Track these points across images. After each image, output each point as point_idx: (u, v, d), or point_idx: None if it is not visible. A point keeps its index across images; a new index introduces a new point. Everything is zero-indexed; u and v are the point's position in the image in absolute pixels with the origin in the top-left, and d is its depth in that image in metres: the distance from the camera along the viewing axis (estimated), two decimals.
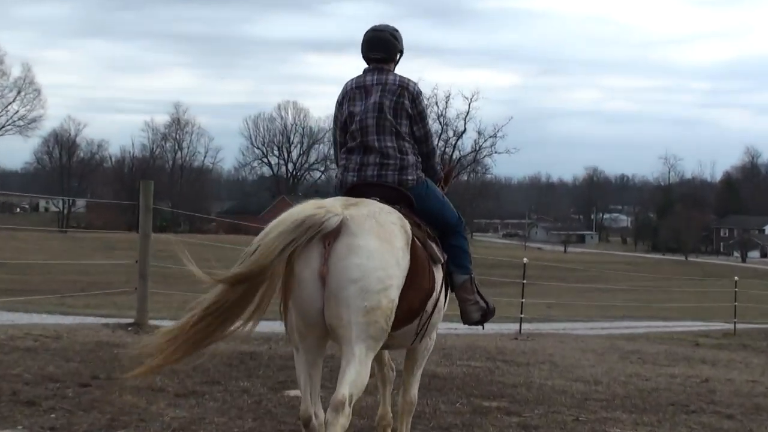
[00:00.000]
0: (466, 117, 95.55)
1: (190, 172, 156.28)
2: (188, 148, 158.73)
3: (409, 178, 7.20)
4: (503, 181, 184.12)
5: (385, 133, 7.19)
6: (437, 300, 6.78)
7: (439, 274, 6.83)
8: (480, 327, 7.93)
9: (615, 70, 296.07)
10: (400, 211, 6.60)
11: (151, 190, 15.36)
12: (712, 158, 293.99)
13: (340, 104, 7.45)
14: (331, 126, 7.68)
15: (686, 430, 9.60)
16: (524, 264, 24.55)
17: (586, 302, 44.51)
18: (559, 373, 13.78)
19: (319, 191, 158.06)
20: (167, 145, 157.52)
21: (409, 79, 7.39)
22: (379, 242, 6.05)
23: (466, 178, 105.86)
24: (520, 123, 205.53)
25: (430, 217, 7.20)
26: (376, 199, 6.69)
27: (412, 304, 6.40)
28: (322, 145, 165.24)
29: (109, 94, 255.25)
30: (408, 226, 6.44)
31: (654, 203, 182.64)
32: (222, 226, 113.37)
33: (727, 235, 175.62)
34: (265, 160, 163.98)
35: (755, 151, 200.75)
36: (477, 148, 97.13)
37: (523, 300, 23.97)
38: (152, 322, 15.18)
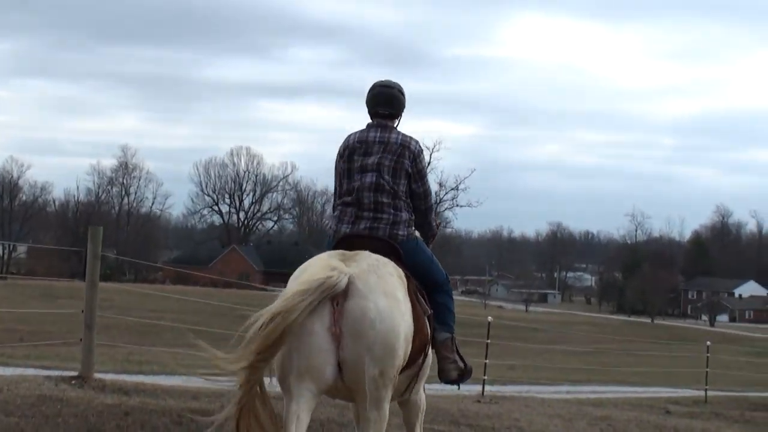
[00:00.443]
0: (427, 167, 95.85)
1: (137, 218, 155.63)
2: (136, 193, 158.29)
3: (400, 233, 7.72)
4: (463, 235, 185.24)
5: (381, 191, 7.70)
6: (427, 352, 7.45)
7: (428, 326, 7.41)
8: (456, 387, 8.47)
9: (580, 123, 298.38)
10: (393, 261, 7.19)
11: (100, 237, 15.15)
12: (680, 216, 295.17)
13: (341, 156, 7.95)
14: (334, 178, 8.15)
15: None
16: (488, 323, 24.43)
17: (549, 364, 44.47)
18: None
19: (272, 242, 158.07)
20: (114, 189, 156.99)
21: (411, 138, 7.91)
22: (385, 299, 6.74)
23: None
24: (481, 175, 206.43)
25: (418, 273, 7.62)
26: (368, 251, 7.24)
27: (411, 354, 7.04)
28: (275, 194, 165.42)
29: (53, 135, 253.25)
30: (404, 275, 7.15)
31: (620, 262, 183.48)
32: (169, 275, 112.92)
33: (695, 297, 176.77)
34: (216, 207, 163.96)
35: (726, 211, 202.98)
36: (438, 201, 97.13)
37: (487, 361, 23.81)
38: (97, 375, 14.94)
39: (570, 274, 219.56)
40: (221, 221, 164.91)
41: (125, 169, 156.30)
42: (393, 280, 6.95)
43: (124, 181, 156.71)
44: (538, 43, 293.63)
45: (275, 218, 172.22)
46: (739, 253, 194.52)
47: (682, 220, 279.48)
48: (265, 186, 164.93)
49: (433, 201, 8.17)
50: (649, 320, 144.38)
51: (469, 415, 16.30)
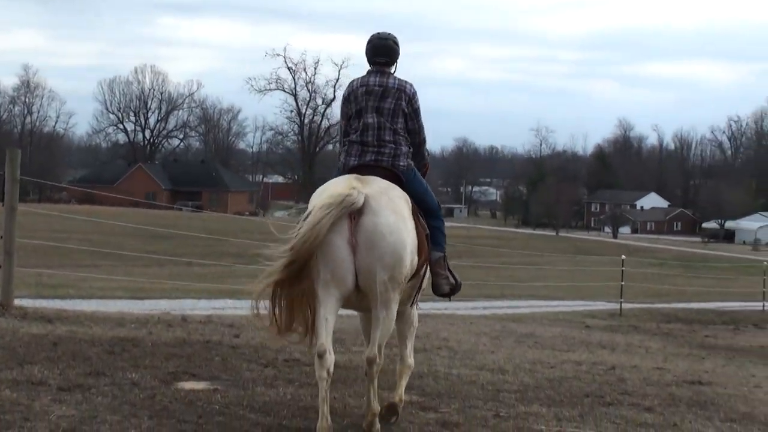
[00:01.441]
0: (335, 84, 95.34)
1: (41, 138, 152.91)
2: (38, 112, 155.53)
3: (401, 163, 8.75)
4: None
5: (383, 129, 8.72)
6: (427, 265, 8.52)
7: (426, 244, 8.42)
8: (448, 299, 9.55)
9: (482, 39, 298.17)
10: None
11: (18, 160, 14.64)
12: (584, 131, 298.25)
13: (346, 100, 8.95)
14: (340, 119, 9.27)
15: (611, 426, 9.39)
16: None
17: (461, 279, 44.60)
18: (461, 360, 13.52)
19: (178, 160, 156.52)
20: (16, 109, 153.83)
21: (406, 82, 8.92)
22: (394, 216, 7.85)
23: (331, 148, 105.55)
24: None
25: (415, 199, 8.60)
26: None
27: (413, 265, 8.09)
28: (181, 112, 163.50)
29: None
30: (409, 198, 8.32)
31: (525, 177, 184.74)
32: (75, 195, 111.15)
33: (598, 210, 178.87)
34: (121, 126, 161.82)
35: (628, 124, 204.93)
36: None
37: None
38: (16, 301, 14.50)
39: (476, 189, 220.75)
40: (126, 140, 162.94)
41: (27, 87, 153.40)
42: (400, 202, 8.10)
43: (27, 100, 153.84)
44: None
45: (181, 136, 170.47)
46: (640, 166, 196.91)
47: (586, 134, 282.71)
48: (170, 104, 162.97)
49: (424, 135, 9.12)
50: (553, 233, 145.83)
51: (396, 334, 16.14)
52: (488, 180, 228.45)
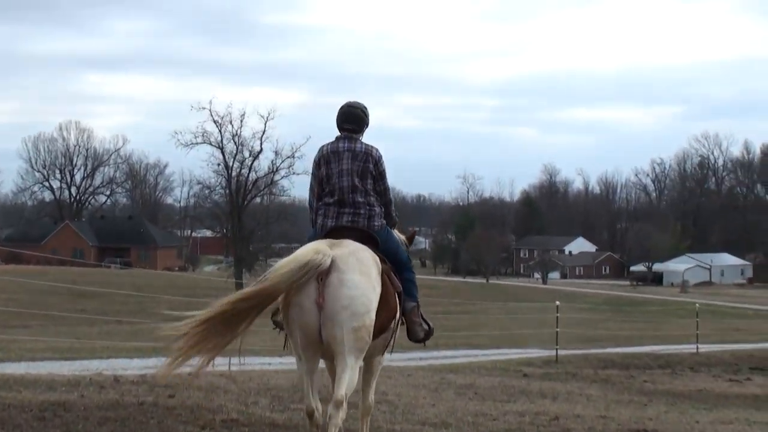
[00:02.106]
0: (262, 136, 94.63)
1: None
2: None
3: (376, 224, 9.37)
4: (297, 204, 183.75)
5: (356, 192, 9.30)
6: (398, 321, 9.15)
7: (398, 300, 9.05)
8: (423, 344, 9.99)
9: (402, 89, 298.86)
10: (371, 249, 8.85)
11: None
12: (510, 177, 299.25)
13: (317, 164, 9.52)
14: (310, 180, 9.74)
15: None
16: None
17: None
18: (402, 415, 13.23)
19: (105, 216, 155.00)
20: None
21: (372, 147, 9.54)
22: (360, 276, 8.35)
23: (260, 201, 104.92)
24: (313, 142, 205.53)
25: (389, 255, 9.29)
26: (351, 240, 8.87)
27: (382, 322, 8.68)
28: (107, 168, 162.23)
29: None
30: (379, 260, 8.78)
31: (453, 224, 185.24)
32: (0, 254, 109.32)
33: (527, 255, 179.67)
34: (47, 183, 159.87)
35: (553, 169, 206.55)
36: (274, 169, 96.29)
37: None
38: None
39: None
40: (52, 197, 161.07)
41: None
42: (369, 263, 8.58)
43: None
44: (348, 11, 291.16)
45: (108, 192, 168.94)
46: (567, 211, 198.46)
47: (512, 180, 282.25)
48: (96, 160, 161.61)
49: (390, 197, 9.71)
50: (484, 280, 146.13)
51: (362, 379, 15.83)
52: (417, 228, 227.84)
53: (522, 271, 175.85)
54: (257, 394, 14.35)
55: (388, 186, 9.67)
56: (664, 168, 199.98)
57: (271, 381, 16.80)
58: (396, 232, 10.04)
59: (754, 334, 54.80)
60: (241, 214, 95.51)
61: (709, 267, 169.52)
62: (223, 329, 8.46)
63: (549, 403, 16.27)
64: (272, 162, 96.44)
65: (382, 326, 8.72)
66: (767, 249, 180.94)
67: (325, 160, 9.46)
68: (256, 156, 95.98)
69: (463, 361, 28.04)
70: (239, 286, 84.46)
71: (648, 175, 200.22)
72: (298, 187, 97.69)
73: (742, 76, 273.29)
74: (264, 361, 24.40)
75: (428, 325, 9.70)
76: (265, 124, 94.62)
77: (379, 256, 8.92)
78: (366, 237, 9.15)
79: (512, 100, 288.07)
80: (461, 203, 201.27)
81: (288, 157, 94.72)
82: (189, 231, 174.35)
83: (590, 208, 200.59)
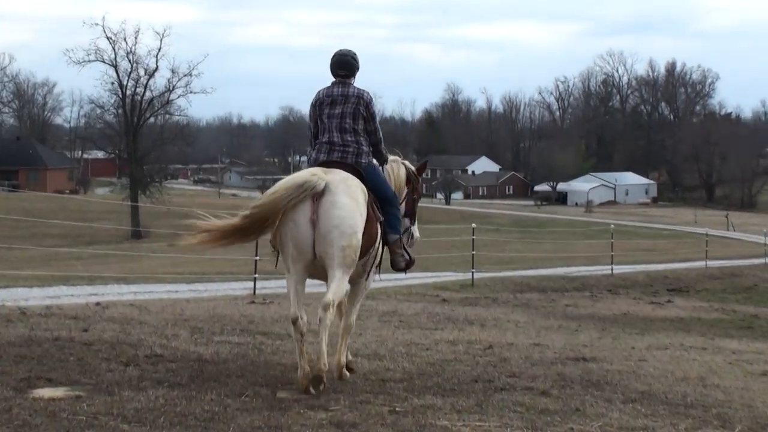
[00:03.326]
0: (158, 54, 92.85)
1: None
2: None
3: (362, 161, 10.42)
4: (194, 124, 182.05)
5: (346, 132, 10.42)
6: (377, 247, 10.20)
7: (379, 229, 10.12)
8: (404, 273, 11.17)
9: (298, 4, 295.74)
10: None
11: None
12: (412, 96, 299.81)
13: (314, 106, 10.65)
14: (309, 121, 10.83)
15: (514, 415, 8.87)
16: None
17: None
18: (331, 345, 12.77)
19: None
20: None
21: (363, 90, 10.60)
22: (349, 199, 9.48)
23: (154, 120, 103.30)
24: (210, 61, 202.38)
25: (374, 189, 10.30)
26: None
27: (365, 245, 9.66)
28: None
29: None
30: (366, 189, 9.92)
31: None
32: None
33: (429, 176, 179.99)
34: None
35: (456, 88, 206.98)
36: (171, 88, 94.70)
37: (258, 257, 22.95)
38: None
39: (303, 159, 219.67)
40: None
41: None
42: (357, 190, 9.70)
43: None
44: None
45: None
46: (470, 130, 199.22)
47: (414, 100, 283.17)
48: None
49: (380, 136, 10.69)
50: None
51: (255, 320, 15.55)
52: (426, 159, 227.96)
53: (424, 191, 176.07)
54: (175, 326, 13.92)
55: (378, 126, 10.72)
56: (568, 86, 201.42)
57: (186, 311, 16.38)
58: (405, 163, 11.56)
59: (663, 253, 55.65)
60: (136, 134, 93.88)
61: (613, 186, 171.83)
62: (236, 240, 9.82)
63: (478, 330, 16.08)
64: (168, 80, 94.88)
65: (363, 250, 9.68)
66: (671, 168, 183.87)
67: (320, 102, 10.58)
68: (151, 74, 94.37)
69: (378, 285, 27.75)
70: (135, 209, 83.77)
71: (552, 93, 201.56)
72: (195, 106, 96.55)
73: None
74: (170, 289, 23.95)
75: (409, 256, 10.70)
76: (161, 41, 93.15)
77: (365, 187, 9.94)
78: (352, 171, 10.11)
79: (410, 17, 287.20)
80: None
81: (185, 75, 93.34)
82: (80, 152, 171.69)
83: (493, 127, 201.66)
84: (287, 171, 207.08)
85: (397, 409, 8.75)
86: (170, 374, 9.79)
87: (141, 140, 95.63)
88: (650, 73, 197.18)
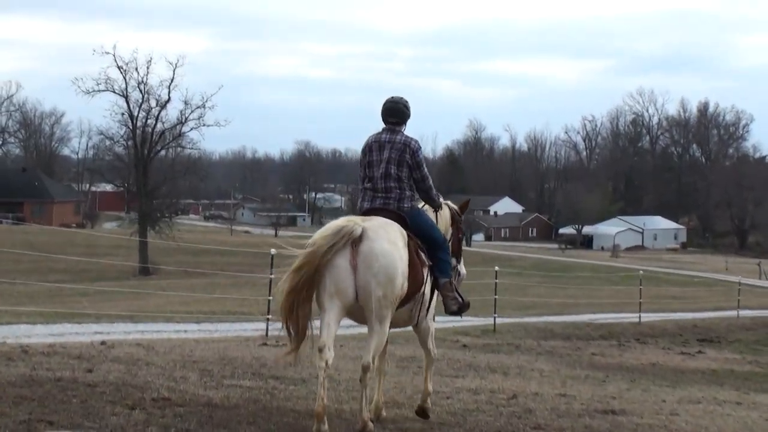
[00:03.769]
0: (170, 85, 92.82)
1: None
2: None
3: (405, 205, 11.05)
4: (206, 158, 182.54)
5: (390, 178, 11.07)
6: (424, 292, 10.73)
7: (426, 274, 10.67)
8: (459, 317, 11.89)
9: (312, 36, 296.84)
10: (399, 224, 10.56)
11: None
12: (433, 132, 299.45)
13: (363, 152, 11.43)
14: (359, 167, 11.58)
15: None
16: (271, 256, 23.27)
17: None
18: (346, 392, 12.81)
19: None
20: None
21: (411, 138, 11.22)
22: (388, 244, 10.04)
23: (165, 153, 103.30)
24: (224, 92, 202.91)
25: (421, 234, 10.93)
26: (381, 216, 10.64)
27: (410, 291, 10.28)
28: None
29: None
30: (405, 233, 10.43)
31: None
32: None
33: None
34: None
35: (479, 125, 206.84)
36: (183, 120, 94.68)
37: (271, 297, 22.82)
38: None
39: (319, 196, 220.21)
40: None
41: None
42: (396, 234, 10.26)
43: None
44: None
45: None
46: (493, 169, 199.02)
47: (435, 135, 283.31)
48: None
49: (430, 183, 11.36)
50: None
51: (268, 363, 15.35)
52: (332, 186, 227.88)
53: None
54: (183, 368, 13.82)
55: (426, 174, 11.36)
56: (596, 125, 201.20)
57: (195, 352, 16.26)
58: (448, 203, 12.19)
59: (693, 302, 55.28)
60: (146, 167, 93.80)
61: (641, 230, 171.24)
62: (297, 298, 10.11)
63: (501, 378, 15.94)
64: (181, 112, 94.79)
65: (410, 295, 10.38)
66: (701, 213, 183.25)
67: (369, 149, 11.33)
68: (163, 105, 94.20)
69: (395, 330, 27.61)
70: (143, 244, 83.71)
71: (578, 132, 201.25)
72: (208, 139, 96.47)
73: (672, 29, 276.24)
74: (179, 328, 23.84)
75: (462, 299, 11.21)
76: (174, 72, 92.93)
77: (408, 234, 10.52)
78: (395, 217, 10.79)
79: (430, 50, 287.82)
80: None
81: (198, 107, 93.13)
82: (87, 185, 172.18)
83: (517, 166, 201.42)
84: (302, 208, 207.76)
85: None
86: (178, 419, 9.68)
87: (151, 173, 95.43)
88: (681, 113, 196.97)
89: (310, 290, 10.03)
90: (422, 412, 11.37)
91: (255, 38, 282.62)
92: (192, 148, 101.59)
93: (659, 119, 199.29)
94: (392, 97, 11.60)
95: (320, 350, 10.08)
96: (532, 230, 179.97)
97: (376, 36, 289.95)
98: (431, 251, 10.94)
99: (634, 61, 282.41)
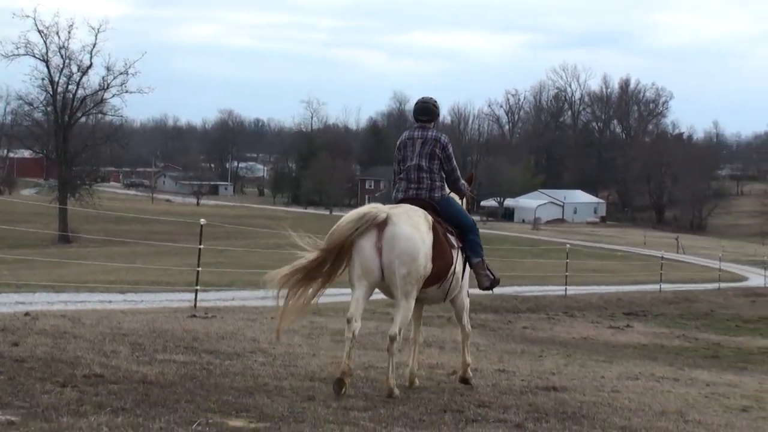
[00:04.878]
0: (92, 50, 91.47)
1: None
2: None
3: (435, 194, 12.10)
4: (128, 125, 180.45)
5: (422, 170, 12.11)
6: (454, 271, 11.67)
7: (456, 255, 11.70)
8: (491, 291, 13.49)
9: (232, 3, 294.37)
10: (427, 212, 11.51)
11: None
12: (357, 104, 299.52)
13: (398, 148, 12.43)
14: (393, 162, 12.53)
15: None
16: (201, 226, 22.80)
17: (238, 265, 43.45)
18: (284, 368, 12.46)
19: None
20: None
21: (441, 134, 12.34)
22: (411, 228, 10.96)
23: (86, 120, 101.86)
24: (148, 59, 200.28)
25: (452, 220, 12.04)
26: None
27: (438, 270, 11.29)
28: None
29: None
30: (430, 218, 11.34)
31: (294, 152, 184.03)
32: None
33: (373, 186, 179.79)
34: None
35: (403, 97, 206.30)
36: (105, 87, 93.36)
37: (200, 269, 22.37)
38: None
39: (241, 165, 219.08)
40: None
41: None
42: (419, 219, 11.17)
43: None
44: None
45: None
46: None
47: (359, 107, 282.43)
48: None
49: (458, 174, 12.45)
50: (326, 212, 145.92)
51: (199, 336, 15.00)
52: (254, 155, 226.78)
53: (367, 202, 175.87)
54: (113, 341, 13.36)
55: (455, 166, 12.45)
56: (519, 99, 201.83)
57: (123, 324, 15.79)
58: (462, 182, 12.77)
59: (613, 275, 55.65)
60: (67, 134, 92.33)
61: (562, 204, 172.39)
62: (318, 276, 11.20)
63: (438, 353, 15.71)
64: (103, 78, 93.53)
65: (439, 274, 11.36)
66: (621, 187, 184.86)
67: (403, 145, 12.37)
68: (85, 71, 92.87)
69: (322, 300, 27.17)
70: (63, 212, 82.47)
71: (502, 106, 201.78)
72: (131, 106, 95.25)
73: (596, 5, 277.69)
74: (103, 298, 23.27)
75: (493, 275, 12.30)
76: (96, 37, 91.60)
77: (435, 219, 11.51)
78: (427, 205, 11.78)
79: (352, 21, 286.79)
80: (304, 129, 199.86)
81: (120, 74, 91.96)
82: (5, 151, 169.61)
83: None
84: (224, 177, 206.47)
85: None
86: (113, 397, 9.22)
87: (71, 140, 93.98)
88: (603, 89, 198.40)
89: (322, 269, 11.09)
90: (464, 381, 12.34)
91: (175, 5, 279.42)
92: (114, 116, 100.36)
93: (581, 95, 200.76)
94: (423, 97, 12.82)
95: (348, 321, 10.97)
96: None
97: (296, 6, 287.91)
98: (463, 234, 12.03)
99: (558, 36, 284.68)
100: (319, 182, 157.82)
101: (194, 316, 18.69)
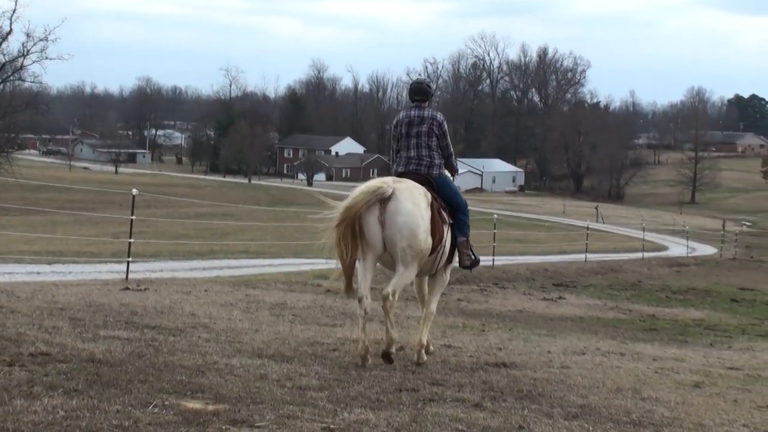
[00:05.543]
0: (12, 15, 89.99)
1: None
2: None
3: (434, 172, 12.69)
4: (48, 92, 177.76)
5: (421, 147, 12.77)
6: (444, 246, 12.22)
7: (446, 231, 12.25)
8: (469, 270, 14.84)
9: None
10: (426, 188, 12.11)
11: None
12: (276, 72, 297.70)
13: (395, 126, 13.06)
14: (391, 139, 13.25)
15: (448, 430, 8.27)
16: (133, 196, 22.34)
17: (161, 237, 42.90)
18: (229, 344, 12.14)
19: None
20: None
21: (437, 113, 13.09)
22: (412, 204, 11.59)
23: (3, 87, 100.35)
24: (69, 25, 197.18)
25: (445, 198, 12.54)
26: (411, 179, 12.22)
27: (432, 244, 11.79)
28: None
29: None
30: (429, 195, 11.98)
31: (213, 119, 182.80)
32: None
33: (291, 155, 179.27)
34: None
35: (321, 65, 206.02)
36: (25, 53, 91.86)
37: (132, 240, 21.94)
38: None
39: (159, 132, 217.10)
40: None
41: None
42: (420, 196, 11.80)
43: None
44: None
45: None
46: (335, 110, 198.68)
47: (278, 75, 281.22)
48: None
49: (451, 150, 13.07)
50: (245, 180, 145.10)
51: (137, 310, 14.65)
52: (172, 123, 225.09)
53: (286, 171, 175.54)
54: (52, 316, 12.98)
55: (450, 142, 13.10)
56: (437, 68, 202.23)
57: (57, 298, 15.38)
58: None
59: (536, 245, 55.87)
60: None
61: (480, 173, 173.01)
62: (349, 244, 11.57)
63: (379, 327, 15.32)
64: (23, 44, 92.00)
65: (432, 248, 11.83)
66: (539, 156, 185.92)
67: (401, 123, 12.97)
68: (4, 37, 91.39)
69: (251, 271, 26.98)
70: None
71: (420, 74, 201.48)
72: (51, 73, 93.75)
73: None
74: (31, 270, 22.78)
75: (474, 255, 12.74)
76: (16, 2, 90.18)
77: (434, 195, 12.13)
78: (424, 180, 12.42)
79: None
80: (223, 97, 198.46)
81: (41, 40, 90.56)
82: None
83: (359, 107, 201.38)
84: (142, 145, 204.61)
85: (330, 426, 8.01)
86: (63, 377, 8.89)
87: None
88: (522, 58, 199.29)
89: (354, 239, 11.49)
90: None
91: None
92: (33, 82, 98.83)
93: (500, 63, 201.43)
94: (418, 78, 14.34)
95: (360, 300, 11.66)
96: (373, 171, 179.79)
97: None
98: (453, 213, 12.54)
99: (477, 4, 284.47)
100: (238, 150, 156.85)
101: (127, 288, 18.28)
